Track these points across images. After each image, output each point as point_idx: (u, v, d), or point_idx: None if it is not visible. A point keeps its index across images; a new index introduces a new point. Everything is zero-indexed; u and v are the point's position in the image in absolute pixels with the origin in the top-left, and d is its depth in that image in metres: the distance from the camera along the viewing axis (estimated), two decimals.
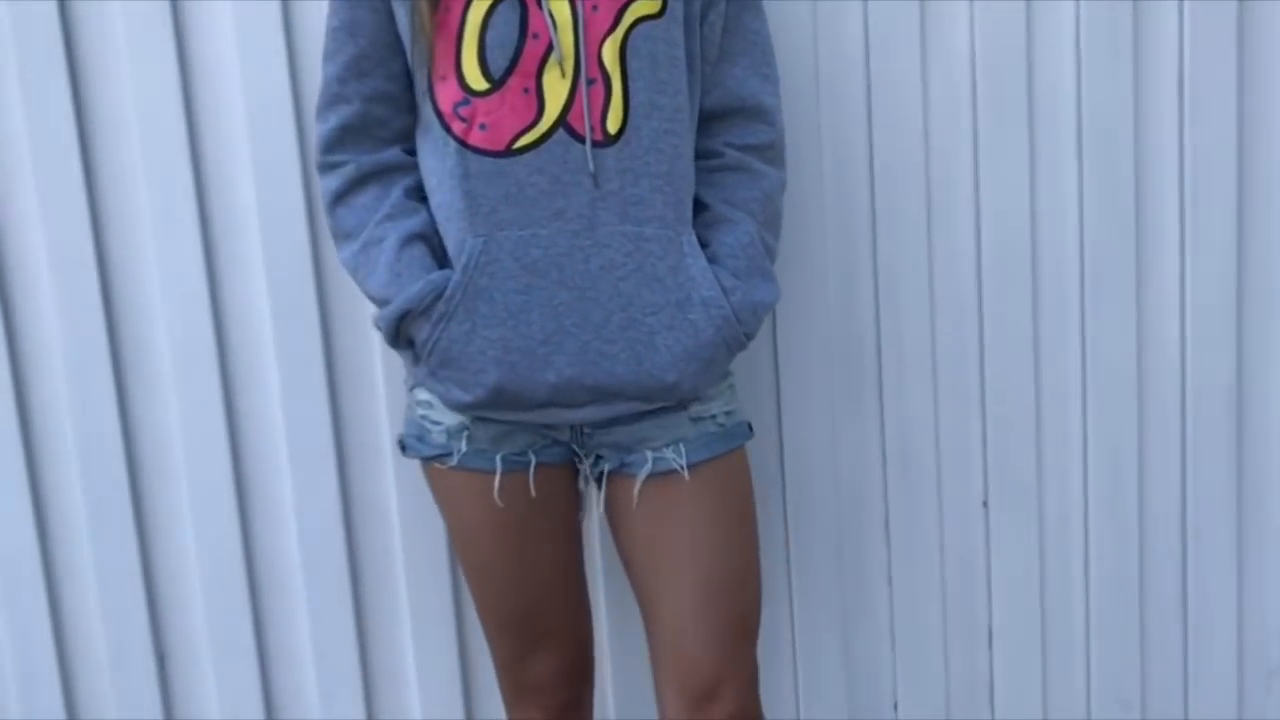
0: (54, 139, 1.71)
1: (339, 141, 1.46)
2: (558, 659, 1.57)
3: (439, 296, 1.39)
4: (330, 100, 1.46)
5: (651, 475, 1.45)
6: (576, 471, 1.52)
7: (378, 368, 1.81)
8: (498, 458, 1.46)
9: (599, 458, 1.49)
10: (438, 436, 1.48)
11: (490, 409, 1.43)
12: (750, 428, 1.54)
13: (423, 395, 1.49)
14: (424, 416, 1.49)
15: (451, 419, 1.47)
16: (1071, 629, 1.95)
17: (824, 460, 1.87)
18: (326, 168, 1.47)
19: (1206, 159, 1.85)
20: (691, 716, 1.48)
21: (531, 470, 1.47)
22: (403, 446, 1.54)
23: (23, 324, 1.78)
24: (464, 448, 1.46)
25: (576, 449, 1.49)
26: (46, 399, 1.80)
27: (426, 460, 1.51)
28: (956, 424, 1.89)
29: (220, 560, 1.85)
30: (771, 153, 1.49)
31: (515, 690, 1.60)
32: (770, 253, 1.48)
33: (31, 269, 1.76)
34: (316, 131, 1.49)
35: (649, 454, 1.45)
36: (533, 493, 1.47)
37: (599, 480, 1.51)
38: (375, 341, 1.79)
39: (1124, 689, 1.96)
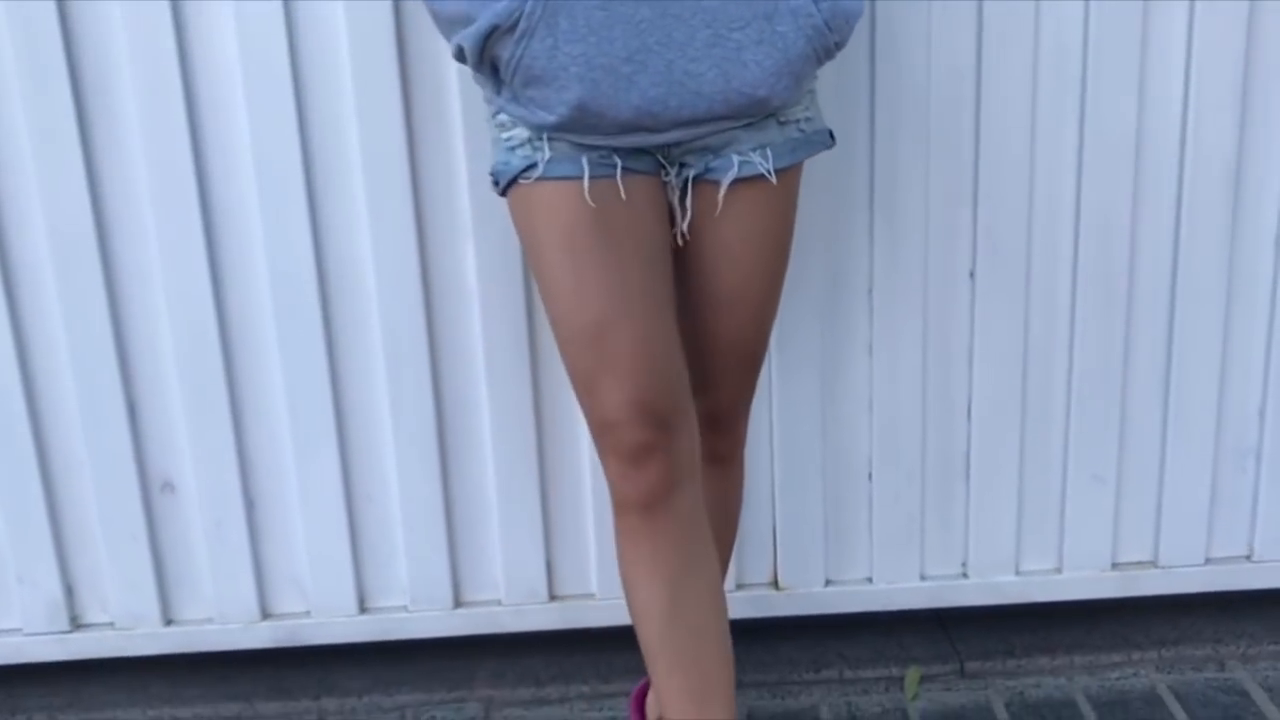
0: None
1: None
2: (630, 390, 1.42)
3: (520, 13, 1.32)
4: None
5: (737, 180, 1.43)
6: (665, 185, 1.47)
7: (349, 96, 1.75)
8: (583, 160, 1.40)
9: (683, 165, 1.45)
10: (521, 152, 1.42)
11: (574, 130, 1.38)
12: (831, 135, 1.54)
13: (504, 118, 1.43)
14: (507, 139, 1.43)
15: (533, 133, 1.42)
16: (1051, 404, 1.94)
17: (810, 226, 1.82)
18: None
19: None
20: (708, 433, 1.56)
21: (618, 173, 1.41)
22: (495, 180, 1.47)
23: None
24: (547, 154, 1.40)
25: (662, 159, 1.44)
26: (8, 147, 1.74)
27: (512, 182, 1.44)
28: (947, 192, 1.84)
29: (191, 309, 1.82)
30: None
31: (596, 429, 1.47)
32: None
33: None
34: None
35: (735, 158, 1.42)
36: (622, 195, 1.41)
37: (684, 189, 1.46)
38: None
39: (1100, 465, 1.96)
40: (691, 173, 1.44)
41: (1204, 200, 1.86)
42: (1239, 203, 1.88)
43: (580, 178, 1.39)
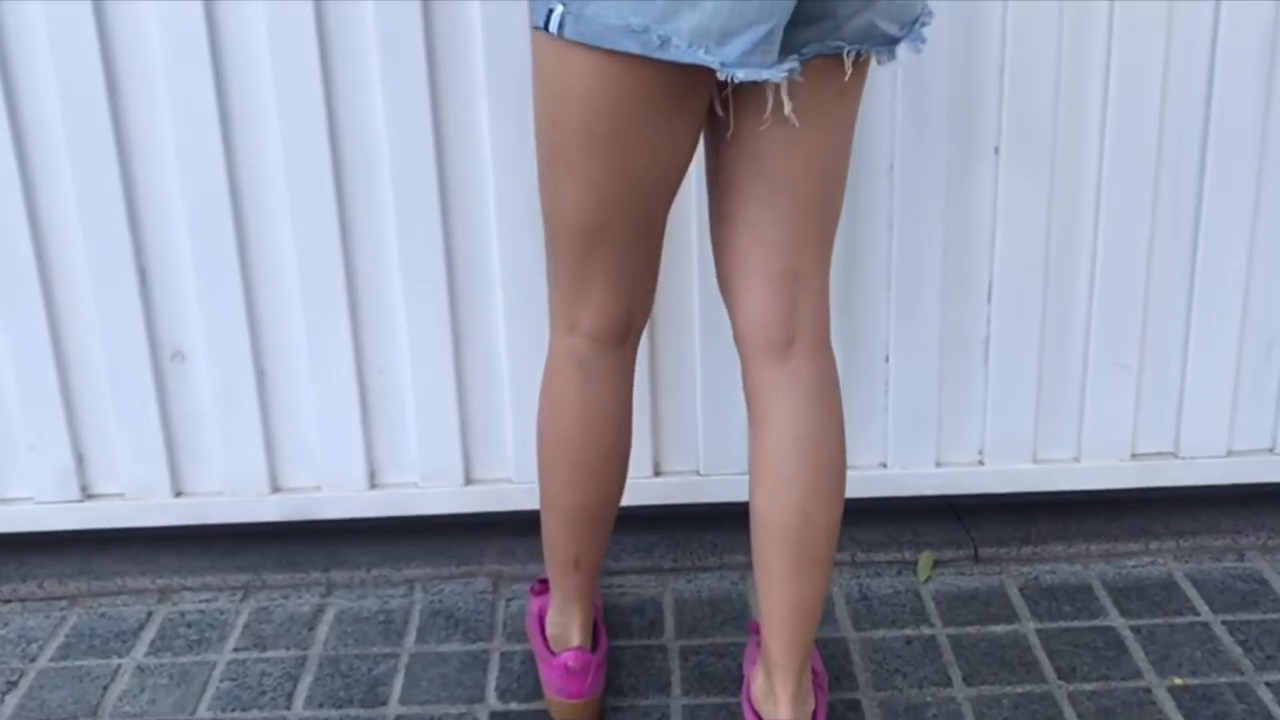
0: None
1: None
2: None
3: None
4: None
5: None
6: None
7: None
8: None
9: None
10: None
11: None
12: None
13: None
14: None
15: None
16: (1074, 288, 1.90)
17: None
18: None
19: None
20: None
21: None
22: None
23: None
24: None
25: None
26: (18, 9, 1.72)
27: None
28: (972, 63, 1.79)
29: (203, 176, 1.79)
30: None
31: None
32: None
33: None
34: None
35: None
36: None
37: None
38: None
39: (1123, 352, 1.92)
40: None
41: (1236, 80, 1.81)
42: (1272, 85, 1.83)
43: None
